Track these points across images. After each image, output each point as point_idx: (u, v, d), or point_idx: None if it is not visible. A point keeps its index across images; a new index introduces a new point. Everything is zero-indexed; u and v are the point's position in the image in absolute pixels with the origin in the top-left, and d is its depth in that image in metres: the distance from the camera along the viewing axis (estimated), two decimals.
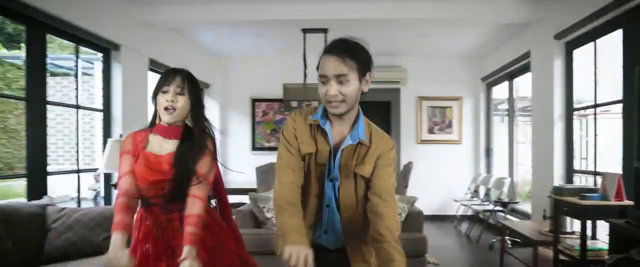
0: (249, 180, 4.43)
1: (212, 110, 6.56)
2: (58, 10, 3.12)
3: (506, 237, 3.94)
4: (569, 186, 2.59)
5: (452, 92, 6.33)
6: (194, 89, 1.54)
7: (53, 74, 8.48)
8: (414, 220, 3.06)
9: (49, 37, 3.19)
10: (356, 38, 1.35)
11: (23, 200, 2.89)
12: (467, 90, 6.29)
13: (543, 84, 4.01)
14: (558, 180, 3.74)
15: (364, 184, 1.40)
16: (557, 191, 2.57)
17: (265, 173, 4.24)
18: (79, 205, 3.59)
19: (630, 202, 2.29)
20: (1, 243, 2.04)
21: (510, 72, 5.14)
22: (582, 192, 2.43)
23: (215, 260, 1.58)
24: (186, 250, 1.39)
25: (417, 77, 6.30)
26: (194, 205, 1.46)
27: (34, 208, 2.42)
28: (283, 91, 5.39)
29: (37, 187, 2.96)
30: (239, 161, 6.55)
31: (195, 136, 1.53)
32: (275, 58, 6.34)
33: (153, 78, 4.83)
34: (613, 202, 2.29)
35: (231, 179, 6.03)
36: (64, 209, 2.51)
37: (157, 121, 1.56)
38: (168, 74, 1.52)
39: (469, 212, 5.68)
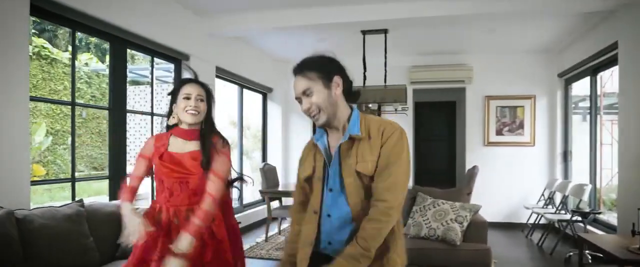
0: None
1: (274, 115, 6.77)
2: (136, 28, 3.42)
3: (586, 251, 3.55)
4: None
5: (524, 90, 5.88)
6: (210, 99, 1.80)
7: (135, 83, 9.31)
8: (478, 230, 2.90)
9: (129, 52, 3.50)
10: (318, 51, 1.43)
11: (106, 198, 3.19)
12: (541, 88, 5.80)
13: (633, 77, 3.55)
14: None
15: (368, 183, 1.36)
16: None
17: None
18: None
19: None
20: (84, 238, 2.27)
21: (594, 66, 4.62)
22: None
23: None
24: (184, 238, 1.56)
25: (483, 76, 5.95)
26: (205, 201, 1.65)
27: (112, 207, 2.66)
28: None
29: (117, 187, 3.26)
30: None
31: (211, 138, 1.75)
32: None
33: (219, 85, 5.10)
34: None
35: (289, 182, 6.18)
36: (138, 208, 2.73)
37: (178, 124, 1.77)
38: (191, 82, 1.76)
39: (542, 221, 5.23)
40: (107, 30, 3.12)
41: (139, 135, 8.78)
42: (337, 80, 1.39)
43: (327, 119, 1.38)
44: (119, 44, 3.33)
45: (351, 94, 1.45)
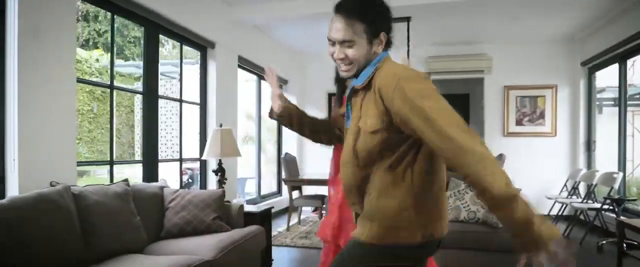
0: (327, 172, 4.57)
1: None
2: (168, 12, 3.43)
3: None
4: None
5: (545, 79, 5.86)
6: None
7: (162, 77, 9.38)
8: None
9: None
10: None
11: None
12: (563, 77, 5.78)
13: None
14: None
15: (372, 141, 1.17)
16: None
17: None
18: None
19: None
20: (133, 216, 2.28)
21: (622, 53, 4.59)
22: None
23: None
24: None
25: (503, 65, 5.93)
26: None
27: (154, 189, 2.67)
28: None
29: (150, 172, 3.28)
30: (317, 155, 6.69)
31: None
32: None
33: (241, 75, 5.10)
34: None
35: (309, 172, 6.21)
36: (177, 190, 2.75)
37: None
38: None
39: (566, 212, 5.21)
40: (143, 14, 3.14)
41: (170, 122, 8.84)
42: (382, 37, 1.21)
43: (355, 74, 1.23)
44: (153, 29, 3.34)
45: (387, 45, 1.26)
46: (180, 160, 3.89)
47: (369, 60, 1.22)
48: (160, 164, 3.43)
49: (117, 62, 8.92)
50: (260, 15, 4.51)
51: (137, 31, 8.60)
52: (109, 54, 3.08)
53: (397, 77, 1.12)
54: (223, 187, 3.35)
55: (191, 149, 4.61)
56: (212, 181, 4.21)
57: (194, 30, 3.83)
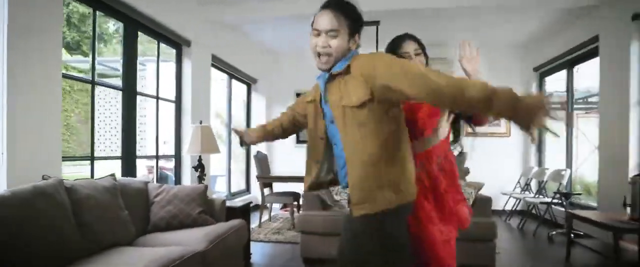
0: (296, 170, 4.73)
1: (258, 106, 6.84)
2: (147, 9, 3.43)
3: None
4: None
5: (502, 83, 5.98)
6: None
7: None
8: (483, 205, 3.15)
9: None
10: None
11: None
12: (518, 82, 6.25)
13: (615, 69, 3.92)
14: (633, 170, 3.68)
15: (362, 116, 1.38)
16: None
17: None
18: None
19: None
20: (122, 210, 2.31)
21: (571, 60, 5.06)
22: None
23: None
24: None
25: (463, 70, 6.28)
26: None
27: (138, 184, 2.70)
28: None
29: (129, 167, 3.27)
30: (284, 155, 6.80)
31: None
32: None
33: (214, 74, 5.13)
34: None
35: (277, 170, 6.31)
36: (162, 185, 2.79)
37: None
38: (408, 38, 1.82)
39: (519, 207, 5.66)
40: (123, 9, 3.13)
41: (144, 119, 8.58)
42: (357, 38, 1.46)
43: (330, 66, 1.44)
44: (132, 26, 3.34)
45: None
46: (157, 157, 3.89)
47: (344, 56, 1.43)
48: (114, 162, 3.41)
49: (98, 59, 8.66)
50: (233, 14, 4.56)
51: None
52: (91, 53, 3.05)
53: (374, 56, 1.40)
54: (203, 183, 3.41)
55: (162, 146, 4.58)
56: (187, 177, 4.23)
57: (171, 28, 3.84)
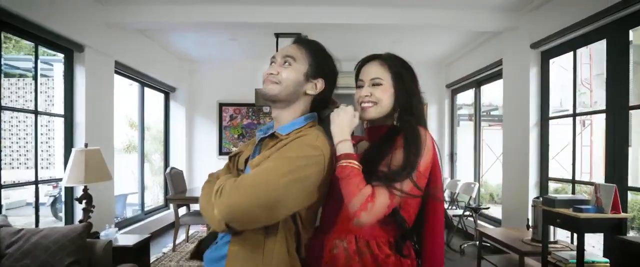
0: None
1: (177, 116, 6.15)
2: (17, 7, 2.68)
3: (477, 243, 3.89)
4: (560, 196, 2.48)
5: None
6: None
7: (7, 75, 7.60)
8: None
9: (5, 37, 2.72)
10: (328, 47, 1.22)
11: None
12: (433, 97, 6.29)
13: (517, 91, 3.98)
14: (533, 187, 3.73)
15: None
16: (548, 202, 2.47)
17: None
18: (37, 218, 3.11)
19: (627, 215, 2.27)
20: None
21: (478, 80, 5.15)
22: (574, 203, 2.35)
23: None
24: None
25: None
26: None
27: None
28: (255, 96, 5.12)
29: None
30: (206, 166, 6.21)
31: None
32: (245, 62, 6.05)
33: (119, 82, 4.37)
34: (610, 215, 2.22)
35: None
36: (21, 230, 2.10)
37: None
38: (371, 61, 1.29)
39: None
40: None
41: (16, 138, 7.14)
42: (320, 83, 1.16)
43: (276, 97, 1.12)
44: None
45: (320, 104, 1.20)
46: (36, 182, 3.09)
47: (295, 96, 1.14)
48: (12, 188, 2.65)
49: None
50: (138, 18, 3.87)
51: None
52: None
53: (302, 143, 1.04)
54: (89, 218, 2.73)
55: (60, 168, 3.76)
56: (80, 208, 3.47)
57: (54, 30, 3.08)
